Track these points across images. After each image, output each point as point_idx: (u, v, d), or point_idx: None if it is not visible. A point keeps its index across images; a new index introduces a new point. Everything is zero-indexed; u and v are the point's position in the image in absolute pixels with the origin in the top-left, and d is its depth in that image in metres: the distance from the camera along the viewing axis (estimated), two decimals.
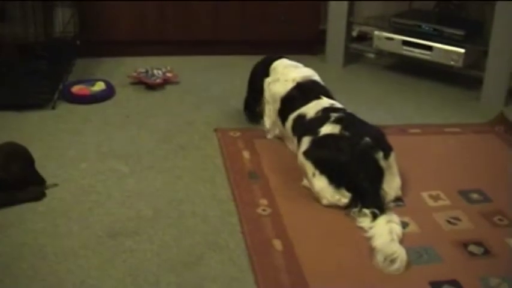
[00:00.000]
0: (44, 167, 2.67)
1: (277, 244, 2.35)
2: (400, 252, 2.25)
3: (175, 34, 4.23)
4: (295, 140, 2.84)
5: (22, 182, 2.56)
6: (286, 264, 2.24)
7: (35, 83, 3.38)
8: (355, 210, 2.50)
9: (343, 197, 2.54)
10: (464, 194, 2.71)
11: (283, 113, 2.99)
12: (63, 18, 3.84)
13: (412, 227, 2.47)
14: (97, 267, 2.21)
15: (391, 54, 4.11)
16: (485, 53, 3.63)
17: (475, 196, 2.70)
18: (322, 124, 2.65)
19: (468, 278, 2.20)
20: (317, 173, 2.57)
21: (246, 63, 3.64)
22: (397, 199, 2.62)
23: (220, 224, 2.47)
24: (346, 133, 2.59)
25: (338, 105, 2.85)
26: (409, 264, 2.25)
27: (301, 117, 2.85)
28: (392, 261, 2.23)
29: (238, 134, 3.18)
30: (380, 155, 2.56)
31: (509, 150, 3.15)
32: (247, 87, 3.33)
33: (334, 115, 2.69)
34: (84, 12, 4.01)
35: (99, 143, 3.06)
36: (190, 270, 2.21)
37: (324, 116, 2.72)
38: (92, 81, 3.65)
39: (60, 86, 3.56)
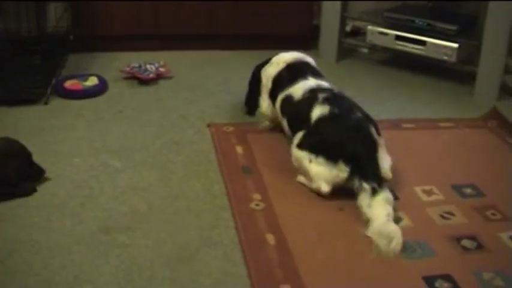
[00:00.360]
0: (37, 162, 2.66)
1: (270, 239, 2.35)
2: (397, 232, 2.30)
3: (169, 29, 4.22)
4: (284, 121, 2.90)
5: (17, 178, 2.55)
6: (280, 258, 2.24)
7: (28, 78, 3.37)
8: (356, 185, 2.50)
9: (341, 172, 2.54)
10: (458, 188, 2.72)
11: (273, 94, 3.03)
12: (56, 13, 3.82)
13: (406, 222, 2.48)
14: (90, 262, 2.20)
15: (385, 49, 4.11)
16: (478, 48, 3.63)
17: (468, 191, 2.71)
18: (311, 108, 2.68)
19: (461, 272, 2.20)
20: (313, 157, 2.59)
21: (240, 58, 3.66)
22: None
23: (214, 219, 2.47)
24: (336, 110, 2.63)
25: (325, 85, 2.87)
26: (401, 258, 2.26)
27: (288, 98, 2.88)
28: (390, 241, 2.27)
29: (231, 129, 3.18)
30: (373, 129, 2.59)
31: (502, 144, 3.16)
32: (248, 85, 3.33)
33: (321, 96, 2.72)
34: (77, 7, 4.00)
35: (92, 138, 3.05)
36: (184, 265, 2.21)
37: (312, 97, 2.74)
38: (84, 76, 3.64)
39: (53, 81, 3.55)
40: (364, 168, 2.50)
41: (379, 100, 3.61)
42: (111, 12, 4.09)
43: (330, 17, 4.18)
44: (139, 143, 3.02)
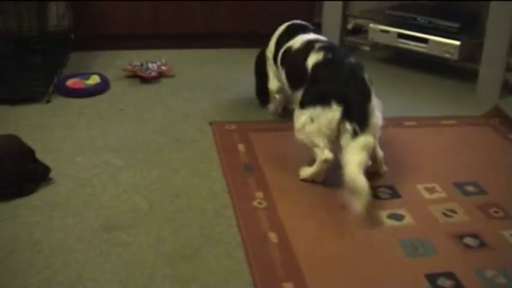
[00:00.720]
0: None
1: (273, 237, 2.35)
2: (363, 189, 2.32)
3: (170, 27, 4.22)
4: (283, 75, 2.97)
5: (17, 177, 2.54)
6: (282, 256, 2.24)
7: (30, 77, 3.37)
8: (342, 124, 2.52)
9: (335, 112, 2.53)
10: (460, 186, 2.71)
11: (276, 55, 3.08)
12: (57, 12, 3.82)
13: (408, 220, 2.47)
14: (92, 261, 2.20)
15: (387, 47, 4.11)
16: (480, 46, 3.63)
17: (470, 188, 2.70)
18: (307, 56, 2.73)
19: (464, 270, 2.20)
20: (312, 111, 2.60)
21: (241, 56, 3.65)
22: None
23: (216, 217, 2.47)
24: (330, 56, 2.67)
25: (323, 39, 2.91)
26: (403, 256, 2.25)
27: (287, 50, 2.94)
28: (357, 197, 2.33)
29: (233, 127, 3.17)
30: (366, 74, 2.63)
31: (504, 142, 3.15)
32: (255, 75, 3.36)
33: (317, 45, 2.77)
34: (78, 6, 4.00)
35: (94, 137, 3.05)
36: (186, 263, 2.21)
37: (309, 46, 2.79)
38: (86, 75, 3.64)
39: (55, 80, 3.55)
40: (353, 109, 2.51)
41: (380, 98, 3.59)
42: (113, 11, 4.09)
43: (331, 15, 4.18)
44: (141, 141, 3.02)
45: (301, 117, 2.65)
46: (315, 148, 2.63)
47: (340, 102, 2.53)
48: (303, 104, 2.66)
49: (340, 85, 2.56)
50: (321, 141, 2.60)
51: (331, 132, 2.57)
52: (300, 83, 2.74)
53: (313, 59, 2.71)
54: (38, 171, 2.61)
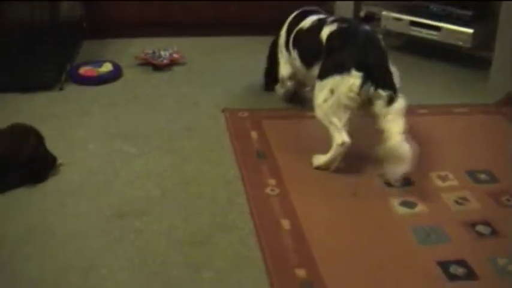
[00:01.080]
0: (52, 148, 2.66)
1: (286, 224, 2.35)
2: (407, 157, 2.42)
3: (182, 15, 4.21)
4: (296, 56, 2.97)
5: (32, 163, 2.55)
6: (295, 243, 2.25)
7: (42, 65, 3.38)
8: (371, 92, 2.53)
9: (355, 79, 2.52)
10: (472, 174, 2.71)
11: (287, 41, 3.09)
12: (69, 1, 3.82)
13: (421, 207, 2.47)
14: (105, 248, 2.22)
15: (399, 35, 4.09)
16: (493, 33, 3.61)
17: (482, 176, 2.70)
18: (320, 30, 2.75)
19: (476, 258, 2.20)
20: (331, 82, 2.60)
21: (251, 44, 3.65)
22: None
23: (229, 204, 2.48)
24: (344, 25, 2.70)
25: (334, 16, 2.93)
26: (416, 243, 2.27)
27: (299, 31, 2.96)
28: (397, 162, 2.43)
29: (246, 114, 3.17)
30: (381, 38, 2.68)
31: None
32: (267, 59, 3.37)
33: (330, 19, 2.79)
34: None
35: (107, 124, 3.06)
36: (198, 250, 2.22)
37: (321, 23, 2.81)
38: (99, 63, 3.64)
39: (68, 68, 3.56)
40: (377, 75, 2.52)
41: None
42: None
43: (343, 2, 4.16)
44: (154, 129, 3.03)
45: (322, 92, 2.63)
46: (333, 129, 2.62)
47: (359, 68, 2.52)
48: (322, 77, 2.65)
49: (357, 51, 2.57)
50: (339, 121, 2.59)
51: (351, 102, 2.55)
52: (316, 58, 2.74)
53: (326, 30, 2.71)
54: (48, 158, 2.63)
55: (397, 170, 2.44)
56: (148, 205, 2.46)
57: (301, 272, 2.12)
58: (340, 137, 2.59)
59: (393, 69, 2.63)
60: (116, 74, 3.59)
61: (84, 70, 3.55)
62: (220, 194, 2.54)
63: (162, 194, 2.53)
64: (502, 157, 2.88)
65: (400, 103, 2.52)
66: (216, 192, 2.55)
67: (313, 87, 2.76)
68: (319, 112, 2.66)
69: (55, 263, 2.14)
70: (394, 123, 2.48)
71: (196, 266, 2.15)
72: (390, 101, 2.50)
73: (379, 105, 2.52)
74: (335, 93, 2.57)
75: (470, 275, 2.12)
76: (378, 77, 2.52)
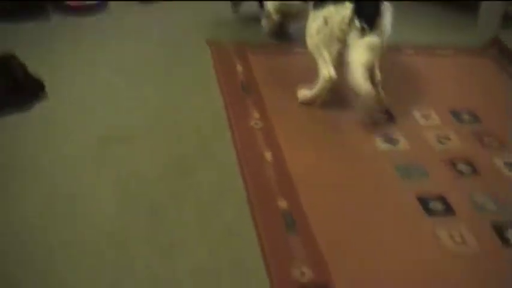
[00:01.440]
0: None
1: (269, 156, 2.37)
2: (368, 95, 2.44)
3: None
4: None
5: (15, 91, 2.54)
6: (277, 176, 2.27)
7: None
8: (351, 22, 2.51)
9: (346, 10, 2.50)
10: (456, 114, 2.73)
11: None
12: None
13: (403, 144, 2.50)
14: (90, 175, 2.23)
15: None
16: None
17: (466, 117, 2.72)
18: None
19: (455, 195, 2.24)
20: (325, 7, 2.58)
21: None
22: None
23: (213, 135, 2.49)
24: None
25: None
26: (397, 178, 2.30)
27: None
28: (360, 99, 2.44)
29: (232, 47, 3.15)
30: None
31: (502, 73, 3.15)
32: None
33: None
34: None
35: (94, 55, 3.03)
36: (182, 177, 2.24)
37: None
38: None
39: None
40: (363, 9, 2.50)
41: None
42: None
43: None
44: (141, 60, 3.00)
45: (315, 21, 2.61)
46: (321, 62, 2.61)
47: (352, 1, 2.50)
48: (317, 5, 2.62)
49: None
50: (328, 54, 2.58)
51: (342, 35, 2.53)
52: None
53: None
54: (30, 85, 2.60)
55: (362, 104, 2.45)
56: (134, 133, 2.46)
57: (282, 203, 2.14)
58: (327, 71, 2.58)
59: (387, 11, 2.59)
60: (103, 5, 3.54)
61: (71, 1, 3.49)
62: (205, 125, 2.54)
63: (147, 123, 2.53)
64: (486, 98, 2.90)
65: (371, 37, 2.48)
66: (200, 123, 2.55)
67: (300, 19, 2.73)
68: (310, 43, 2.64)
69: (39, 193, 2.14)
70: (358, 55, 2.46)
71: (180, 193, 2.17)
72: (363, 33, 2.47)
73: (351, 36, 2.50)
74: (328, 23, 2.55)
75: (449, 211, 2.16)
76: (363, 11, 2.49)
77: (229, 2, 3.45)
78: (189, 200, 2.15)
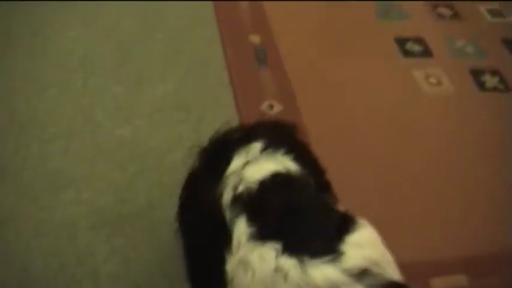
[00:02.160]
0: None
1: (256, 38, 2.17)
2: None
3: None
4: None
5: None
6: (252, 14, 2.21)
7: None
8: None
9: None
10: None
11: None
12: None
13: None
14: None
15: None
16: None
17: None
18: None
19: (434, 37, 2.18)
20: None
21: None
22: None
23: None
24: None
25: None
26: (375, 18, 2.24)
27: None
28: None
29: None
30: None
31: None
32: None
33: None
34: None
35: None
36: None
37: None
38: None
39: None
40: None
41: None
42: None
43: None
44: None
45: None
46: None
47: None
48: None
49: None
50: None
51: None
52: None
53: None
54: None
55: None
56: None
57: (255, 38, 2.08)
58: None
59: None
60: None
61: None
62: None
63: None
64: None
65: None
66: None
67: None
68: None
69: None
70: None
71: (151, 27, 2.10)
72: None
73: None
74: None
75: (426, 52, 2.11)
76: None
77: None
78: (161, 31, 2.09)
